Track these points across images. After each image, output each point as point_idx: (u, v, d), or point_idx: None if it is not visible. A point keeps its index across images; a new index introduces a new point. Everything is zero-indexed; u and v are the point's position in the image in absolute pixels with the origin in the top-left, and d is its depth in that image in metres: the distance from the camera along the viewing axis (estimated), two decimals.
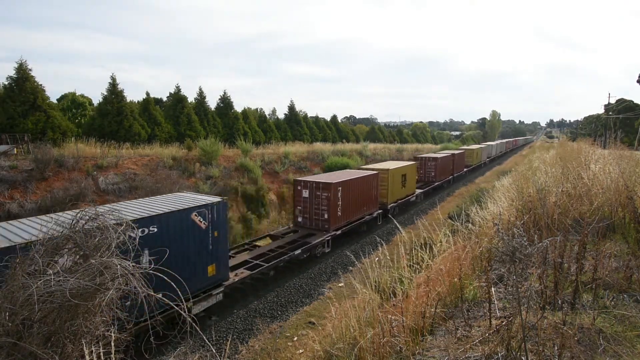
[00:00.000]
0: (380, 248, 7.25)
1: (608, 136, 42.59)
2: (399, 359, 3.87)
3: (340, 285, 13.32)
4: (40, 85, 23.27)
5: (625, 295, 4.08)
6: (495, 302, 4.13)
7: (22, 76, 22.41)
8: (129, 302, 3.67)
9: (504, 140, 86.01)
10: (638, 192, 6.15)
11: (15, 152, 19.64)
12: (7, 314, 3.23)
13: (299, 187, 17.45)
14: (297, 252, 14.61)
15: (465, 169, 41.26)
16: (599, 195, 6.63)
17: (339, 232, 17.49)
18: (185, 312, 3.77)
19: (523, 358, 3.09)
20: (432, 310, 4.38)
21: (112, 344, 3.40)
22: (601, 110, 57.89)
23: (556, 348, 3.22)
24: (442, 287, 4.92)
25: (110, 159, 20.50)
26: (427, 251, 6.53)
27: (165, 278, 5.04)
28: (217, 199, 11.14)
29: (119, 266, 3.56)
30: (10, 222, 8.30)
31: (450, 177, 35.55)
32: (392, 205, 22.93)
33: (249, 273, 12.52)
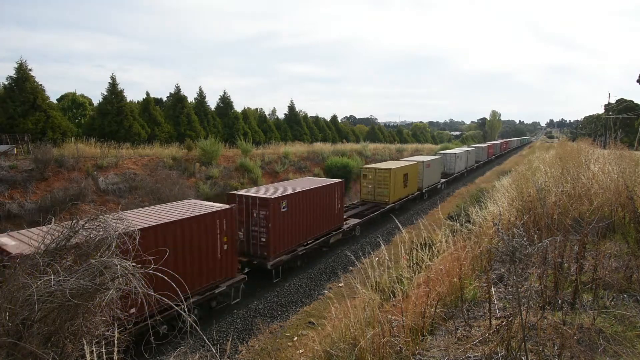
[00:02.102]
0: (380, 248, 7.25)
1: (608, 136, 42.64)
2: (399, 359, 3.87)
3: (340, 285, 13.32)
4: (40, 85, 23.32)
5: (625, 295, 4.08)
6: (495, 302, 4.13)
7: (22, 76, 22.44)
8: None
9: (484, 144, 58.03)
10: (638, 192, 6.15)
11: (15, 152, 19.65)
12: (7, 314, 3.23)
13: None
14: None
15: (351, 223, 18.92)
16: (598, 195, 6.63)
17: None
18: (185, 312, 3.76)
19: (523, 358, 3.09)
20: (432, 310, 4.38)
21: (115, 342, 3.40)
22: (601, 110, 58.02)
23: (556, 348, 3.22)
24: (442, 287, 4.91)
25: (110, 159, 20.50)
26: (427, 251, 6.53)
27: (165, 278, 5.04)
28: None
29: (119, 266, 3.56)
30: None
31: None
32: None
33: None
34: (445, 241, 6.62)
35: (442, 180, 32.90)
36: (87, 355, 3.16)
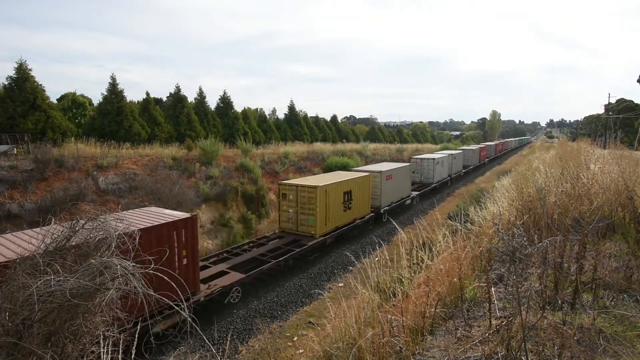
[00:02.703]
0: (380, 248, 7.26)
1: (608, 136, 42.62)
2: (398, 359, 3.87)
3: (340, 285, 13.33)
4: (40, 85, 23.32)
5: (625, 295, 4.08)
6: (495, 302, 4.13)
7: (22, 76, 22.43)
8: None
9: (475, 147, 50.61)
10: (638, 192, 6.15)
11: (15, 152, 19.65)
12: (7, 314, 3.23)
13: None
14: None
15: (222, 284, 11.45)
16: (598, 195, 6.63)
17: None
18: (185, 312, 3.76)
19: (523, 358, 3.09)
20: (432, 310, 4.38)
21: (120, 344, 3.40)
22: (601, 110, 58.02)
23: (556, 348, 3.22)
24: (442, 287, 4.92)
25: (110, 159, 20.50)
26: (427, 251, 6.53)
27: (165, 278, 5.04)
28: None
29: (119, 266, 3.56)
30: None
31: None
32: None
33: None
34: (445, 241, 6.63)
35: (414, 193, 26.44)
36: (103, 355, 3.17)
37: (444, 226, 7.45)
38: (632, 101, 54.41)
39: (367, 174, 20.23)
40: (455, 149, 45.83)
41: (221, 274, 12.40)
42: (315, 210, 15.79)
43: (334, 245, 17.67)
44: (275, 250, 15.00)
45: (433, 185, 30.29)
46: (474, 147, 50.79)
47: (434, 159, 30.66)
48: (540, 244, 3.47)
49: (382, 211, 21.39)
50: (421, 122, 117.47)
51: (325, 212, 16.25)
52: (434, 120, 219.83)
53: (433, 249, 6.67)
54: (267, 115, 52.84)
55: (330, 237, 16.90)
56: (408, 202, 25.15)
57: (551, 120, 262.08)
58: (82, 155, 20.12)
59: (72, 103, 35.09)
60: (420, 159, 31.32)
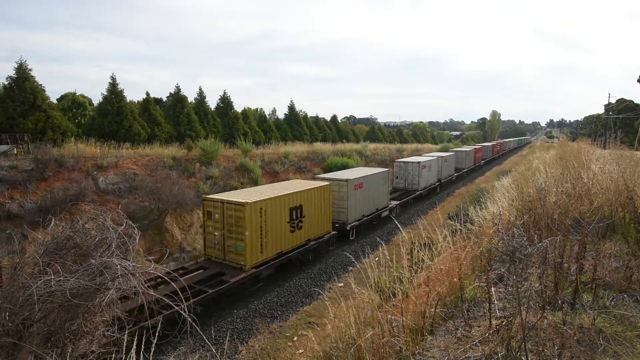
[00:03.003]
0: (380, 248, 7.26)
1: (608, 136, 42.59)
2: (398, 359, 3.87)
3: (340, 285, 13.32)
4: (40, 85, 23.32)
5: (625, 295, 4.08)
6: (495, 302, 4.13)
7: (22, 76, 22.43)
8: None
9: (469, 148, 46.67)
10: (638, 192, 6.16)
11: (15, 152, 19.65)
12: (7, 314, 3.23)
13: None
14: None
15: None
16: (599, 195, 6.63)
17: None
18: (185, 312, 3.76)
19: (523, 358, 3.09)
20: (432, 310, 4.38)
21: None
22: (601, 110, 58.03)
23: (556, 348, 3.22)
24: (442, 287, 4.91)
25: (110, 159, 20.50)
26: (427, 251, 6.53)
27: (165, 278, 5.05)
28: None
29: (119, 266, 3.56)
30: None
31: None
32: None
33: None
34: (445, 241, 6.63)
35: (394, 203, 23.05)
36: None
37: (444, 226, 7.45)
38: (632, 101, 54.41)
39: (326, 183, 16.46)
40: (449, 150, 42.61)
41: None
42: (244, 234, 12.02)
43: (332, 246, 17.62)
44: (185, 290, 9.68)
45: (419, 192, 26.88)
46: (467, 148, 46.01)
47: (419, 162, 27.05)
48: (540, 244, 3.47)
49: (348, 227, 17.78)
50: (421, 122, 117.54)
51: (260, 236, 12.61)
52: (434, 120, 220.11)
53: (433, 249, 6.67)
54: (267, 115, 52.87)
55: (267, 268, 13.26)
56: (385, 213, 21.20)
57: (551, 120, 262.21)
58: (82, 155, 20.13)
59: (72, 103, 35.07)
60: (404, 162, 27.76)
